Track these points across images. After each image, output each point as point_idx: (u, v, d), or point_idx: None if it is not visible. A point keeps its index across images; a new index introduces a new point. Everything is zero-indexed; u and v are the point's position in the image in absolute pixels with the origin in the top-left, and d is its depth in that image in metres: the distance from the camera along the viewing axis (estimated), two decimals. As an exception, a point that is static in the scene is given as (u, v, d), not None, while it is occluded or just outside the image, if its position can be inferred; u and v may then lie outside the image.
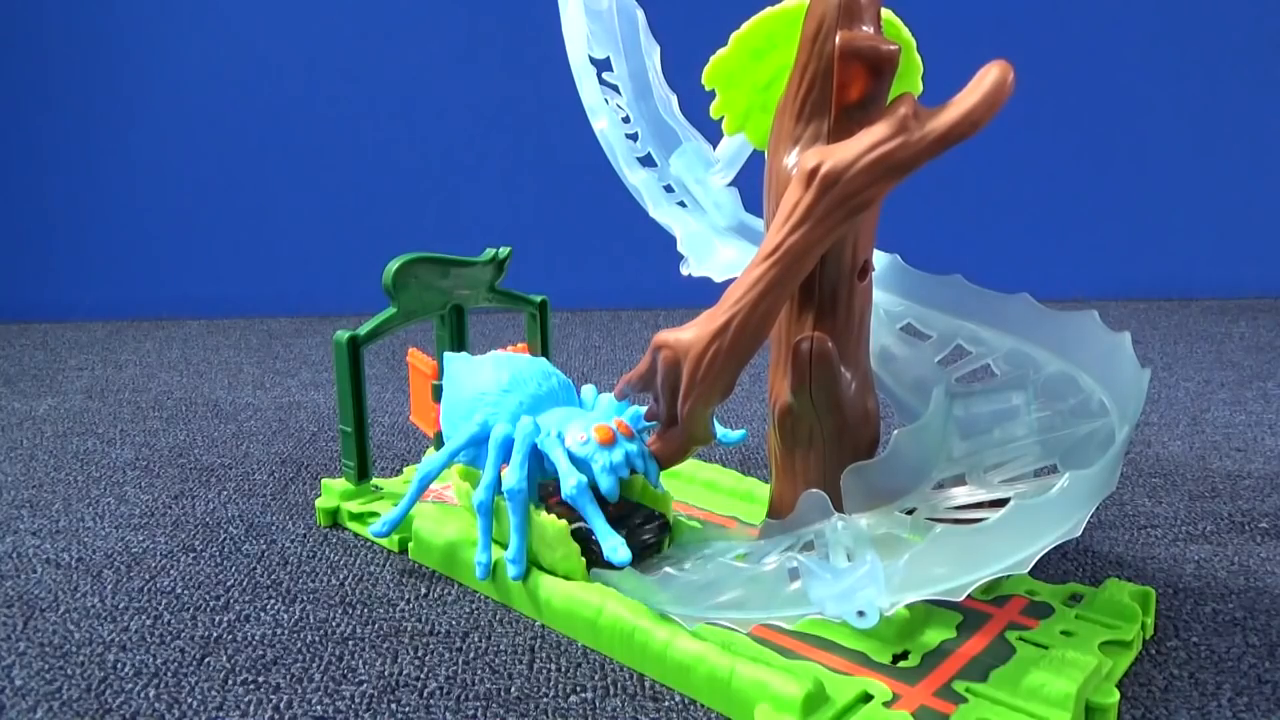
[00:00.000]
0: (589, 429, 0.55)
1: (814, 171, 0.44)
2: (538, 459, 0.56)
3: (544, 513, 0.54)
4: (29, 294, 1.52)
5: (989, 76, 0.42)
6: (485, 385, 0.60)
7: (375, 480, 0.71)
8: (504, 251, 0.73)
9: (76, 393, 1.07)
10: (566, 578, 0.54)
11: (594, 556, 0.54)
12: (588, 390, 0.63)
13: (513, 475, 0.54)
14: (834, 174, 0.44)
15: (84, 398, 1.05)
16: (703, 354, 0.48)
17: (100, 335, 1.39)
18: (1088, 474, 0.43)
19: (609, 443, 0.54)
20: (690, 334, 0.49)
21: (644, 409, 0.56)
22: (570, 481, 0.53)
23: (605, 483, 0.53)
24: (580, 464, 0.54)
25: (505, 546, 0.55)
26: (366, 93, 1.48)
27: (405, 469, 0.77)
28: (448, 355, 0.65)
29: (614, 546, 0.51)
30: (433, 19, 1.46)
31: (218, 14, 1.45)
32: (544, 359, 0.65)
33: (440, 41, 1.47)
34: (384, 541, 0.64)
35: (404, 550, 0.63)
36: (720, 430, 0.63)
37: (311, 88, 1.48)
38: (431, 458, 0.59)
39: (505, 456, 0.55)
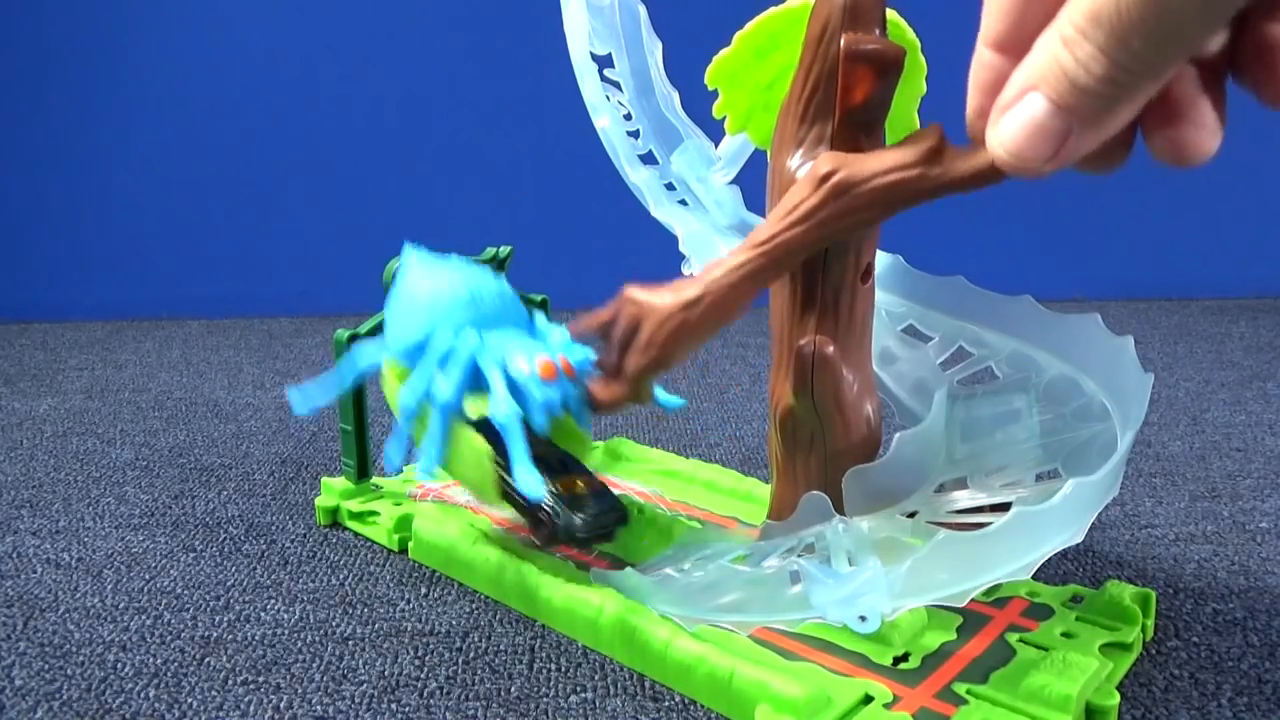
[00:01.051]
0: (533, 361, 0.53)
1: (827, 176, 0.44)
2: (475, 378, 0.55)
3: (470, 430, 0.54)
4: (29, 294, 1.52)
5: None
6: (441, 292, 0.58)
7: (375, 479, 0.71)
8: (504, 251, 0.73)
9: (76, 393, 1.07)
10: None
11: (513, 493, 0.54)
12: (546, 323, 0.61)
13: (447, 388, 0.53)
14: (846, 184, 0.44)
15: (84, 398, 1.04)
16: (666, 321, 0.48)
17: (100, 335, 1.39)
18: (1091, 481, 0.42)
19: (550, 378, 0.53)
20: (659, 300, 0.49)
21: (594, 356, 0.55)
22: (502, 408, 0.52)
23: (538, 417, 0.52)
24: (517, 393, 0.53)
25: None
26: (366, 92, 1.48)
27: (405, 468, 0.77)
28: (408, 247, 0.62)
29: (528, 481, 0.51)
30: (433, 18, 1.46)
31: (217, 13, 1.44)
32: (504, 279, 0.63)
33: (440, 40, 1.47)
34: (384, 541, 0.64)
35: (404, 550, 0.63)
36: (661, 394, 0.62)
37: (311, 87, 1.48)
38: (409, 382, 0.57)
39: (444, 369, 0.54)
